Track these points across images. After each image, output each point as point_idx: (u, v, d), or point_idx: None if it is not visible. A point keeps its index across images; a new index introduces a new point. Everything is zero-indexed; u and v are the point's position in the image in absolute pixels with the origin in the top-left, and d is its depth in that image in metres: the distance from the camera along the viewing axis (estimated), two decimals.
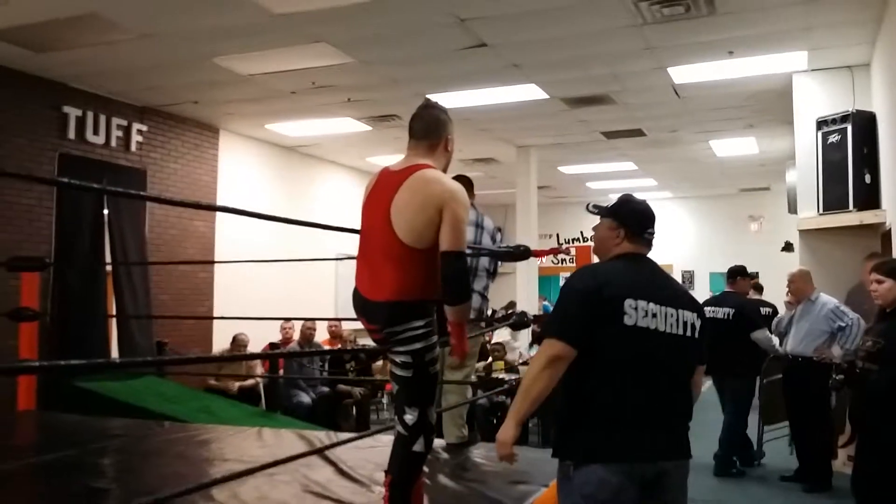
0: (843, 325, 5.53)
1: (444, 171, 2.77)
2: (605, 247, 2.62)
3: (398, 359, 2.62)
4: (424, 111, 2.79)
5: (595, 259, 2.72)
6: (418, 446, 2.61)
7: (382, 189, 2.65)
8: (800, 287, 5.92)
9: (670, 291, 2.51)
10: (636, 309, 2.38)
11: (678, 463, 2.46)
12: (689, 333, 2.46)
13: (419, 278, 2.58)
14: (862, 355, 3.42)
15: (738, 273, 6.64)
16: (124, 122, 7.96)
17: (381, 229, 2.59)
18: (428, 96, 7.77)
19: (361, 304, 2.69)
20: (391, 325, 2.58)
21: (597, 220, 2.68)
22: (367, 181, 2.83)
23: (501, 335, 9.61)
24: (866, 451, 3.44)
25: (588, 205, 2.70)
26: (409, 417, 2.60)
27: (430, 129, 2.75)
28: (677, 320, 2.45)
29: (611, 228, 2.60)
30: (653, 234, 2.61)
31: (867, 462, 3.41)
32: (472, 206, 4.17)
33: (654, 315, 2.40)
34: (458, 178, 4.76)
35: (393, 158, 11.28)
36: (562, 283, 16.43)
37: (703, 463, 6.35)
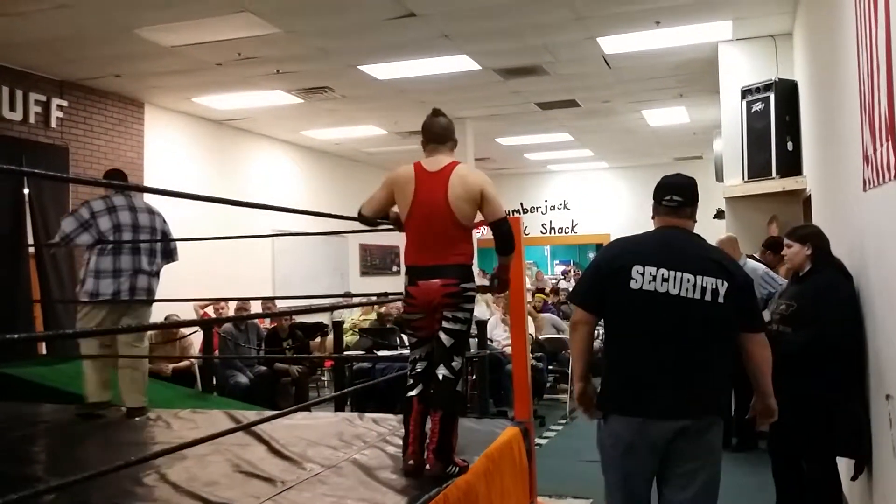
0: (773, 290, 5.56)
1: None
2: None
3: (461, 315, 3.13)
4: (439, 118, 3.26)
5: (615, 237, 3.28)
6: (460, 386, 3.18)
7: (433, 185, 3.13)
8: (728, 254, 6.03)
9: (691, 259, 2.70)
10: (643, 274, 2.68)
11: (697, 421, 2.66)
12: (708, 298, 2.64)
13: (471, 246, 3.22)
14: (777, 318, 3.53)
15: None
16: (43, 98, 7.62)
17: (445, 215, 3.10)
18: (361, 68, 7.66)
19: (430, 270, 3.12)
20: (465, 281, 3.12)
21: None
22: (396, 176, 3.24)
23: None
24: (781, 409, 3.57)
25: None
26: (456, 364, 3.14)
27: (447, 134, 3.25)
28: (694, 285, 2.64)
29: (653, 208, 2.93)
30: (673, 200, 2.82)
31: (782, 423, 3.53)
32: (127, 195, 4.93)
33: (665, 279, 2.66)
34: (109, 172, 5.28)
35: (328, 132, 11.04)
36: None
37: None
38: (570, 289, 10.63)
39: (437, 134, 3.24)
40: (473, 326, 6.57)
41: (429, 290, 3.11)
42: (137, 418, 4.75)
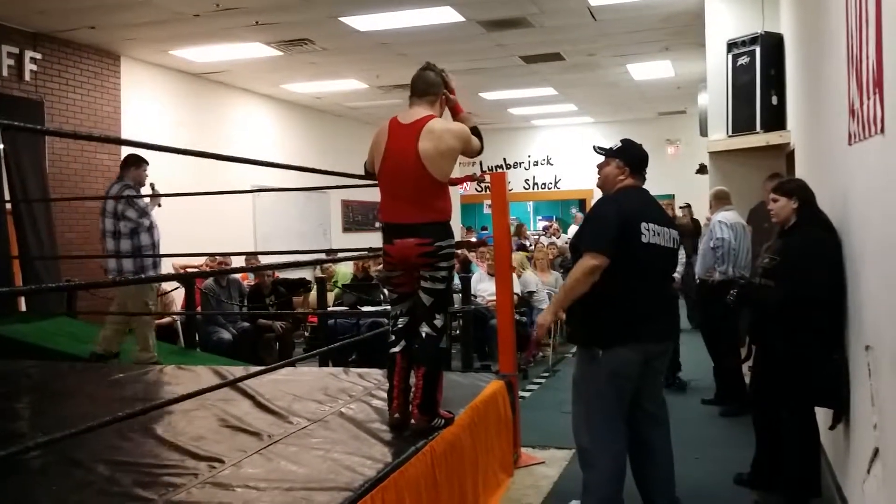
0: (713, 246, 5.44)
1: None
2: (610, 182, 3.36)
3: (438, 274, 3.17)
4: (424, 73, 3.29)
5: (598, 193, 3.50)
6: (443, 343, 3.23)
7: (403, 137, 3.14)
8: (711, 207, 5.88)
9: (662, 215, 3.31)
10: (648, 229, 3.17)
11: (669, 344, 3.42)
12: (674, 246, 3.33)
13: (448, 203, 3.22)
14: (760, 272, 3.56)
15: None
16: (15, 50, 7.42)
17: (415, 171, 3.09)
18: (342, 19, 7.50)
19: (405, 228, 3.14)
20: (441, 239, 3.14)
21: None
22: (377, 130, 3.30)
23: None
24: (762, 363, 3.62)
25: (594, 146, 3.47)
26: (438, 321, 3.19)
27: (426, 87, 3.27)
28: (669, 237, 3.27)
29: (618, 167, 3.33)
30: (647, 171, 3.41)
31: (762, 374, 3.60)
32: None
33: (657, 234, 3.20)
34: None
35: (308, 85, 10.85)
36: (486, 210, 16.52)
37: None
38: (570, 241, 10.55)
39: (416, 87, 3.28)
40: (457, 281, 6.65)
41: (404, 248, 3.15)
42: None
